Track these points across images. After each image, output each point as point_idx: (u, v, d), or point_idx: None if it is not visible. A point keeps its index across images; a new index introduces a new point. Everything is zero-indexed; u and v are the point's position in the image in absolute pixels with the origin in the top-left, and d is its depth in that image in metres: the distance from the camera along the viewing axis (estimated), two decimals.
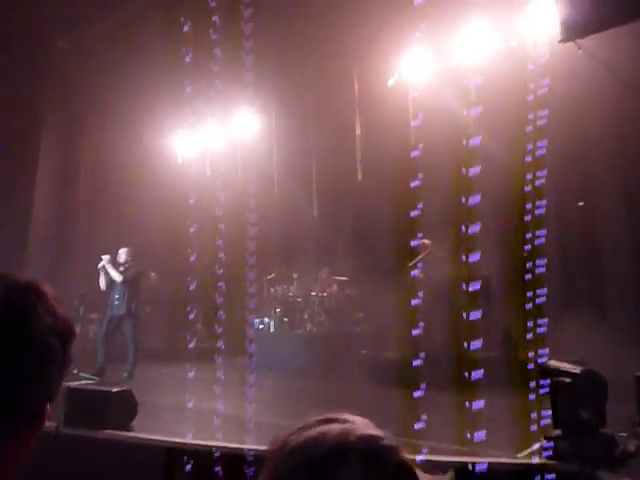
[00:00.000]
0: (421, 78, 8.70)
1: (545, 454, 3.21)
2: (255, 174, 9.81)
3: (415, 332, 7.40)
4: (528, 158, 6.63)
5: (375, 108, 9.41)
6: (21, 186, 10.92)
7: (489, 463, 3.19)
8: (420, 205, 5.96)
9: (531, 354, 4.80)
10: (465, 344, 6.55)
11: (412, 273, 7.53)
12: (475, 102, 5.88)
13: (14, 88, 10.34)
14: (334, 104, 10.26)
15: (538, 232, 5.81)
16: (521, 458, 3.38)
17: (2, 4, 9.40)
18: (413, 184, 6.35)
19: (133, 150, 11.16)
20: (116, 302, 7.45)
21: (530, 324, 5.26)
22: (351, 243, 10.06)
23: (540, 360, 4.36)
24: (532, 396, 4.01)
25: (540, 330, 5.14)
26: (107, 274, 7.48)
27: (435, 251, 7.80)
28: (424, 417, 4.40)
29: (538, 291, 5.75)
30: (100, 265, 7.45)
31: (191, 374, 7.77)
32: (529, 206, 6.18)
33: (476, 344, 6.94)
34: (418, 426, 3.92)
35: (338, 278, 9.72)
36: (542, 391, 3.65)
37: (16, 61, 10.16)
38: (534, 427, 3.68)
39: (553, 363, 3.39)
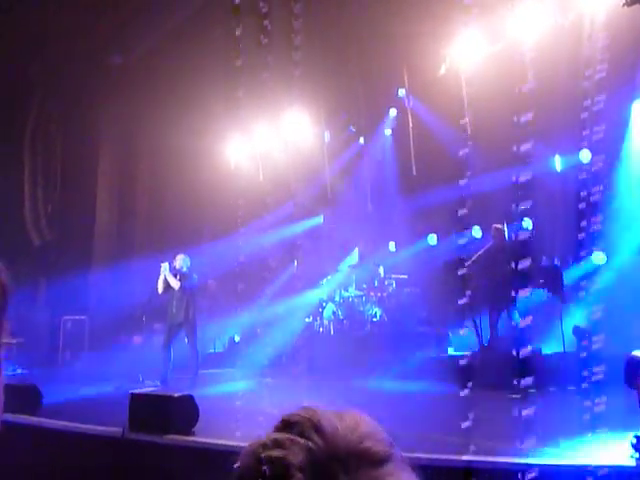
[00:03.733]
0: (473, 62, 8.43)
1: (635, 454, 2.94)
2: (305, 172, 9.83)
3: (479, 329, 7.17)
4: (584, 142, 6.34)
5: (428, 97, 9.23)
6: (83, 194, 11.48)
7: (578, 465, 2.98)
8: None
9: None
10: (534, 341, 6.30)
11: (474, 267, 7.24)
12: (531, 81, 5.65)
13: (73, 103, 10.89)
14: (385, 97, 10.14)
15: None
16: (607, 459, 3.12)
17: (56, 26, 9.91)
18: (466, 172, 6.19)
19: (188, 157, 11.46)
20: (174, 310, 7.59)
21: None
22: (409, 239, 9.88)
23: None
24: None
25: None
26: (165, 280, 7.66)
27: (501, 240, 7.42)
28: (493, 419, 4.22)
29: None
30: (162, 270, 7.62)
31: (253, 379, 7.88)
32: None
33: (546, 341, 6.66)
34: (484, 428, 3.75)
35: (397, 276, 9.53)
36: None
37: (74, 77, 10.69)
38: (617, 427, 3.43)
39: (638, 354, 3.11)
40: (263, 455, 0.63)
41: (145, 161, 12.54)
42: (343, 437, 0.64)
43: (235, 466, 0.65)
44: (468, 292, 6.82)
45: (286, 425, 0.67)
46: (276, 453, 0.62)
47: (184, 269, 7.76)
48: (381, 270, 9.58)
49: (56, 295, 10.20)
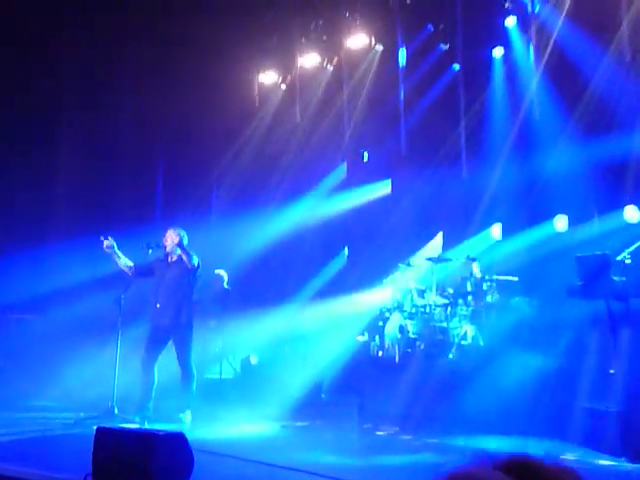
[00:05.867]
0: None
1: None
2: (368, 114, 9.70)
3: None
4: None
5: None
6: (39, 146, 11.72)
7: None
8: None
9: None
10: None
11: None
12: None
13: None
14: None
15: None
16: None
17: None
18: None
19: (196, 91, 11.69)
20: (159, 307, 7.61)
21: None
22: (523, 221, 9.65)
23: None
24: None
25: None
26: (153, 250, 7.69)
27: None
28: None
29: None
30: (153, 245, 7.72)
31: (275, 421, 7.85)
32: None
33: None
34: None
35: (502, 278, 9.39)
36: None
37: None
38: None
39: None
40: None
41: (129, 97, 12.69)
42: None
43: None
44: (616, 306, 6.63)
45: None
46: None
47: (177, 249, 7.72)
48: (477, 268, 9.48)
49: None
